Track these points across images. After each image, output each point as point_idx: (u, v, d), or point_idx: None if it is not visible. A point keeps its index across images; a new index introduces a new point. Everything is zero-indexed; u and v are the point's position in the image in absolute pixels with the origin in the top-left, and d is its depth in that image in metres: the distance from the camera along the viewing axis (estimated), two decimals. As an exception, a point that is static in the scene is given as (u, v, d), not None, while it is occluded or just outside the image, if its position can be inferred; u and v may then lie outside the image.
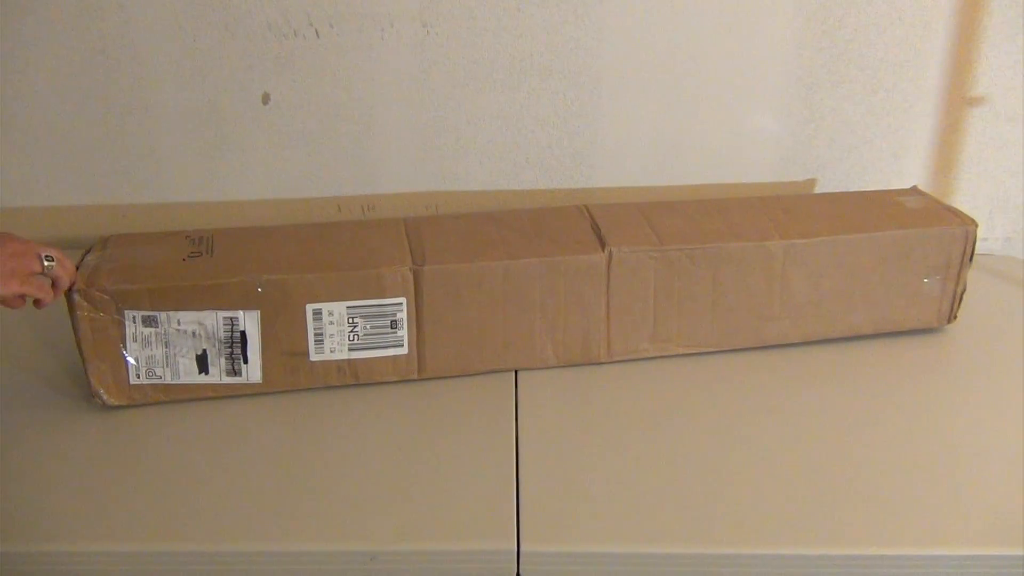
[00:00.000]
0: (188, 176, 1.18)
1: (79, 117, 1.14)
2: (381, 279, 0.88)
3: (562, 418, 0.87)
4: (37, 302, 0.80)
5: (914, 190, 1.08)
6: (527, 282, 0.90)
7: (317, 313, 0.87)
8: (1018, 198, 1.21)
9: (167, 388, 0.88)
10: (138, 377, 0.87)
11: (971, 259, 0.98)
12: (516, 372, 0.93)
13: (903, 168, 1.20)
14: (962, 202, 1.19)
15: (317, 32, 1.10)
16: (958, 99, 1.16)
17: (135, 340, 0.86)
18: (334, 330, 0.88)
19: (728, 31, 1.13)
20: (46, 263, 0.79)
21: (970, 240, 0.98)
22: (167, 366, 0.87)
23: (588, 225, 0.96)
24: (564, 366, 0.94)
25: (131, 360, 0.86)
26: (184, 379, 0.88)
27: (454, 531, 0.73)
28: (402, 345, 0.90)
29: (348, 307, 0.88)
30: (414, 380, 0.91)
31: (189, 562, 0.73)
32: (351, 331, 0.89)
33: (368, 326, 0.89)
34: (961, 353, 0.99)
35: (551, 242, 0.93)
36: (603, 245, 0.92)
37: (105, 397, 0.87)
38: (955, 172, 1.20)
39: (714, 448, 0.83)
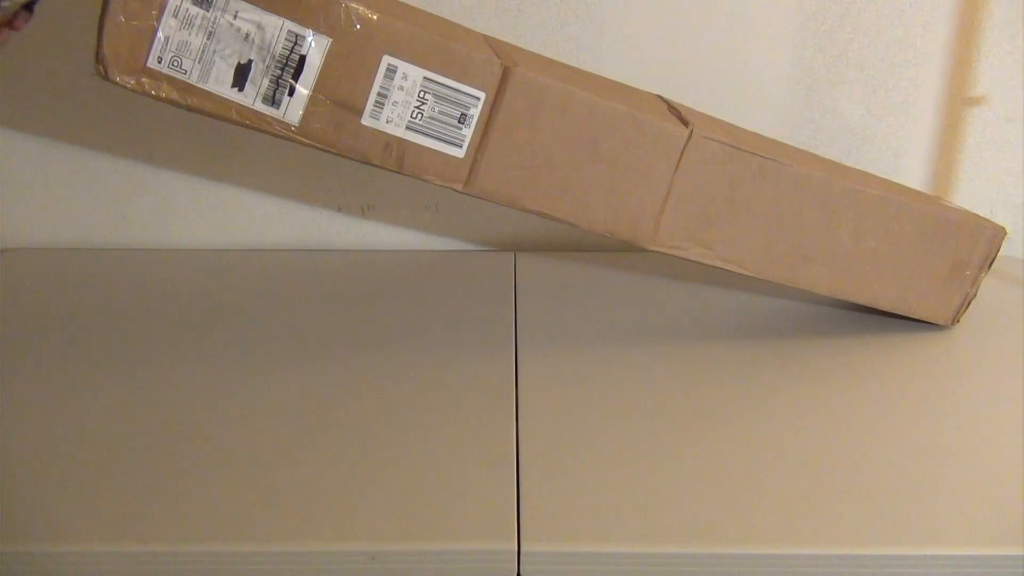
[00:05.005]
0: (188, 176, 1.18)
1: (78, 117, 1.14)
2: (470, 61, 0.78)
3: (563, 416, 0.87)
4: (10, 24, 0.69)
5: (937, 198, 1.08)
6: (608, 129, 0.83)
7: (392, 70, 0.77)
8: (1018, 198, 1.21)
9: (185, 88, 0.74)
10: (159, 61, 0.73)
11: (990, 265, 0.98)
12: (516, 363, 0.93)
13: (903, 168, 1.20)
14: (962, 202, 1.19)
15: (317, 32, 1.10)
16: (958, 99, 1.16)
17: (175, 16, 0.72)
18: (400, 97, 0.78)
19: (728, 31, 1.13)
20: None
21: (995, 245, 0.98)
22: (199, 62, 0.74)
23: (666, 108, 0.91)
24: (606, 237, 0.89)
25: (161, 36, 0.72)
26: (211, 86, 0.75)
27: (454, 531, 0.73)
28: (461, 145, 0.81)
29: (426, 77, 0.78)
30: (458, 192, 0.83)
31: (189, 562, 0.72)
32: (417, 107, 0.79)
33: (436, 109, 0.79)
34: (961, 352, 0.99)
35: (635, 102, 0.87)
36: (686, 123, 0.87)
37: (109, 68, 0.72)
38: (955, 172, 1.20)
39: (715, 447, 0.83)
